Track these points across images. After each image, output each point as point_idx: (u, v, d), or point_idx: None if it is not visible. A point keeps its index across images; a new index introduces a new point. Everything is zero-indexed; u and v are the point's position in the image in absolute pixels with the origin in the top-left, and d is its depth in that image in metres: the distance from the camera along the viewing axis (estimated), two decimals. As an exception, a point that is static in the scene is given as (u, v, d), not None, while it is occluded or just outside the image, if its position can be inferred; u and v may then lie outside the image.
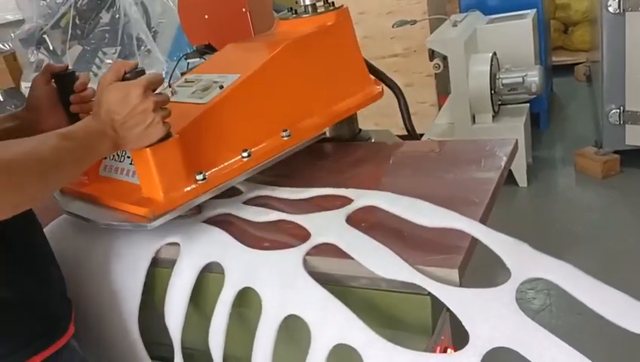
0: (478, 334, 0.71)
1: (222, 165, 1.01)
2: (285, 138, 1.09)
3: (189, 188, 0.95)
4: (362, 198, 0.93)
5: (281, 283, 0.83)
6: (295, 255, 0.84)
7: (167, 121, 0.90)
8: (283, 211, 0.99)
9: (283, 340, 0.82)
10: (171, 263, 0.95)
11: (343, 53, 1.24)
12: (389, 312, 0.82)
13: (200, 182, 0.96)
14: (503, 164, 1.02)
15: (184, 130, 0.97)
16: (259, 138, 1.07)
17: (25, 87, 3.80)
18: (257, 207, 1.02)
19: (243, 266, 0.88)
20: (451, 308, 0.74)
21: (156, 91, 0.90)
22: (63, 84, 1.08)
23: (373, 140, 1.39)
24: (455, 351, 0.85)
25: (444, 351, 0.82)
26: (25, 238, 0.87)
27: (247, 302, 0.88)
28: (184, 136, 0.95)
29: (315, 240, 0.87)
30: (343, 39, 1.24)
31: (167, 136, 0.92)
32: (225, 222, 1.00)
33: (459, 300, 0.75)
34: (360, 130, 1.41)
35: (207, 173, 0.97)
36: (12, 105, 4.41)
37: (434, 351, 0.80)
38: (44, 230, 0.96)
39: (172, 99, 1.11)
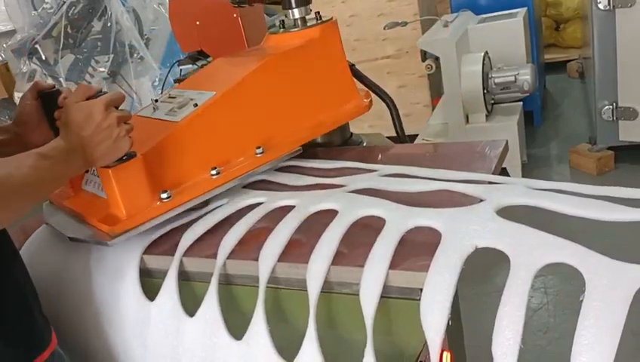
0: (458, 236, 0.74)
1: (189, 183, 1.03)
2: (259, 155, 1.10)
3: (153, 206, 0.97)
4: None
5: None
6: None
7: (130, 136, 0.93)
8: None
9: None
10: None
11: (328, 67, 1.24)
12: (383, 318, 0.82)
13: (165, 200, 0.98)
14: (493, 165, 1.02)
15: (150, 151, 0.98)
16: (230, 156, 1.08)
17: (18, 97, 3.79)
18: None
19: None
20: (438, 229, 0.78)
21: (119, 108, 0.94)
22: (48, 102, 1.08)
23: (364, 144, 1.39)
24: (451, 354, 0.84)
25: (441, 355, 0.82)
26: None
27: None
28: (149, 157, 0.97)
29: None
30: (329, 53, 1.24)
31: (131, 155, 0.94)
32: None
33: (442, 219, 0.79)
34: (352, 134, 1.41)
35: (172, 192, 0.99)
36: (5, 115, 4.41)
37: (429, 356, 0.80)
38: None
39: (152, 115, 1.13)
